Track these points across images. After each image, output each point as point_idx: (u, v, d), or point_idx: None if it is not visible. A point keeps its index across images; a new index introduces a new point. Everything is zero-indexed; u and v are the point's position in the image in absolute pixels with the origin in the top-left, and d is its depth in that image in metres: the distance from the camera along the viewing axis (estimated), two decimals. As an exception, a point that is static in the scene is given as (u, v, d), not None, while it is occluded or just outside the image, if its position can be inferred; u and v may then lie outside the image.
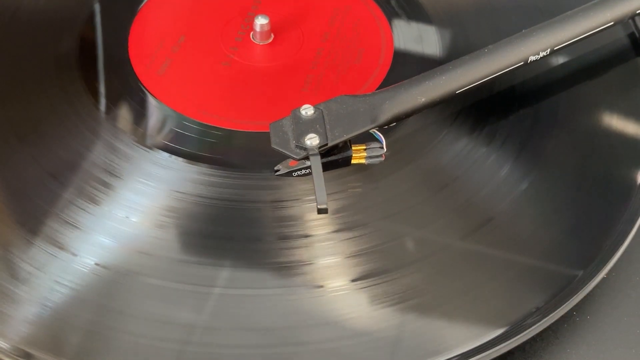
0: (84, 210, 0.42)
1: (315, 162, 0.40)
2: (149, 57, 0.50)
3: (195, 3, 0.54)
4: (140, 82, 0.49)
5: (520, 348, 0.41)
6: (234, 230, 0.42)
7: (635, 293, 0.45)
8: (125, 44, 0.51)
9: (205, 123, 0.47)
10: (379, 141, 0.43)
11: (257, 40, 0.51)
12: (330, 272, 0.41)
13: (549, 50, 0.46)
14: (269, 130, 0.42)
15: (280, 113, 0.43)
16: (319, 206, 0.39)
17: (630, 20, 0.50)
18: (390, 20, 0.53)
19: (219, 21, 0.52)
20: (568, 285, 0.40)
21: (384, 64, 0.50)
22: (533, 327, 0.39)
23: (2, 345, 0.38)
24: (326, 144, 0.41)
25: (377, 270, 0.40)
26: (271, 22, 0.51)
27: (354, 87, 0.49)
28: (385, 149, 0.43)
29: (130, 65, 0.49)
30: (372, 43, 0.52)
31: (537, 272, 0.41)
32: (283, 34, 0.52)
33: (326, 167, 0.41)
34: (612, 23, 0.48)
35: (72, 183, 0.43)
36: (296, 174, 0.42)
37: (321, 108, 0.42)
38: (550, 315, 0.39)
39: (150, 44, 0.51)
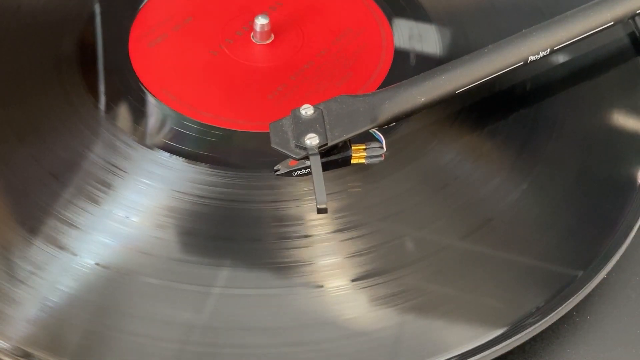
0: (84, 210, 0.42)
1: (315, 162, 0.40)
2: (149, 57, 0.50)
3: (196, 4, 0.54)
4: (141, 81, 0.49)
5: (520, 348, 0.41)
6: (234, 230, 0.42)
7: (635, 293, 0.45)
8: (125, 44, 0.51)
9: (205, 123, 0.47)
10: (379, 141, 0.43)
11: (257, 40, 0.51)
12: (330, 272, 0.40)
13: (549, 50, 0.46)
14: (268, 130, 0.42)
15: (280, 113, 0.43)
16: (318, 206, 0.39)
17: (630, 20, 0.50)
18: (390, 20, 0.53)
19: (219, 21, 0.52)
20: (568, 286, 0.40)
21: (384, 64, 0.50)
22: (533, 327, 0.39)
23: (2, 345, 0.38)
24: (326, 144, 0.41)
25: (377, 270, 0.40)
26: (271, 22, 0.51)
27: (354, 87, 0.49)
28: (385, 149, 0.42)
29: (131, 65, 0.49)
30: (372, 43, 0.52)
31: (537, 272, 0.41)
32: (283, 34, 0.52)
33: (326, 166, 0.41)
34: (612, 23, 0.48)
35: (72, 183, 0.43)
36: (296, 173, 0.42)
37: (321, 108, 0.42)
38: (551, 315, 0.39)
39: (150, 44, 0.51)
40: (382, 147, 0.42)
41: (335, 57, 0.51)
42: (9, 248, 0.41)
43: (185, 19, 0.53)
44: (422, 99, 0.43)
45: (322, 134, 0.41)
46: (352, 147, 0.42)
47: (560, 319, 0.41)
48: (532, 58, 0.46)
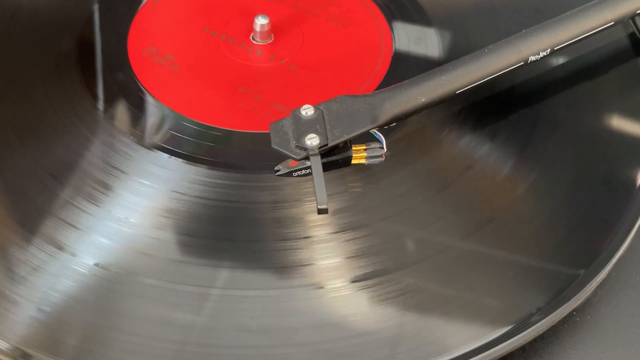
0: (84, 210, 0.42)
1: (316, 163, 0.40)
2: (148, 58, 0.50)
3: (195, 3, 0.54)
4: (140, 82, 0.49)
5: (520, 348, 0.41)
6: (233, 231, 0.42)
7: (635, 293, 0.45)
8: (124, 44, 0.51)
9: (205, 123, 0.47)
10: (379, 141, 0.43)
11: (257, 40, 0.51)
12: (331, 272, 0.40)
13: (549, 50, 0.46)
14: (269, 131, 0.42)
15: (280, 113, 0.43)
16: (319, 206, 0.39)
17: (630, 21, 0.50)
18: (389, 20, 0.53)
19: (219, 21, 0.52)
20: (569, 286, 0.40)
21: (384, 64, 0.50)
22: (534, 327, 0.39)
23: (1, 346, 0.38)
24: (326, 144, 0.41)
25: (377, 270, 0.40)
26: (271, 22, 0.51)
27: (353, 87, 0.49)
28: (385, 149, 0.42)
29: (130, 65, 0.49)
30: (371, 43, 0.52)
31: (538, 273, 0.41)
32: (283, 34, 0.52)
33: (326, 167, 0.41)
34: (612, 23, 0.48)
35: (71, 183, 0.43)
36: (296, 174, 0.42)
37: (321, 108, 0.42)
38: (552, 315, 0.39)
39: (149, 44, 0.51)
40: (382, 148, 0.42)
41: (334, 57, 0.51)
42: (8, 248, 0.41)
43: (184, 20, 0.53)
44: (423, 99, 0.43)
45: (323, 135, 0.41)
46: (353, 148, 0.42)
47: (560, 319, 0.41)
48: (532, 58, 0.46)
